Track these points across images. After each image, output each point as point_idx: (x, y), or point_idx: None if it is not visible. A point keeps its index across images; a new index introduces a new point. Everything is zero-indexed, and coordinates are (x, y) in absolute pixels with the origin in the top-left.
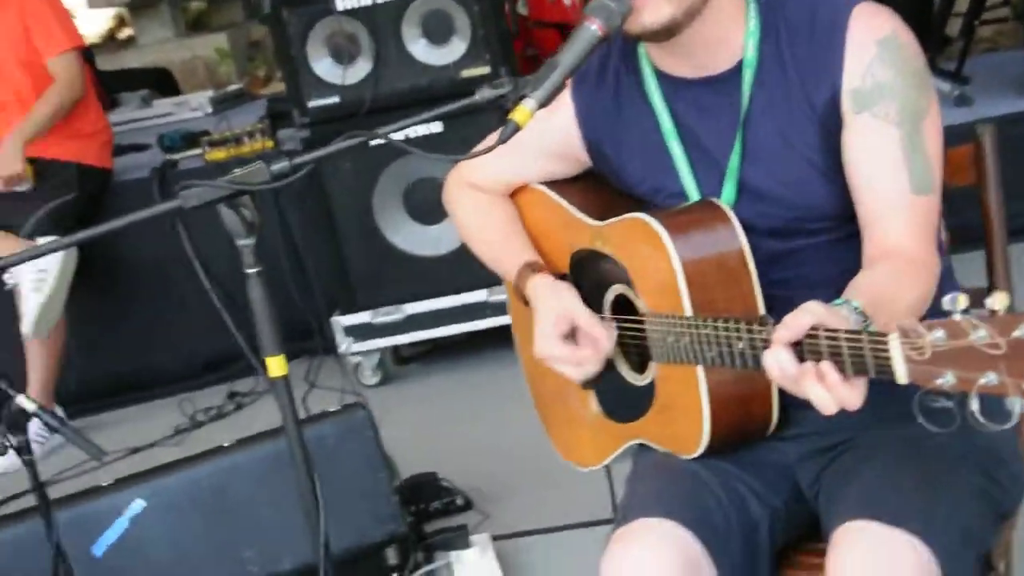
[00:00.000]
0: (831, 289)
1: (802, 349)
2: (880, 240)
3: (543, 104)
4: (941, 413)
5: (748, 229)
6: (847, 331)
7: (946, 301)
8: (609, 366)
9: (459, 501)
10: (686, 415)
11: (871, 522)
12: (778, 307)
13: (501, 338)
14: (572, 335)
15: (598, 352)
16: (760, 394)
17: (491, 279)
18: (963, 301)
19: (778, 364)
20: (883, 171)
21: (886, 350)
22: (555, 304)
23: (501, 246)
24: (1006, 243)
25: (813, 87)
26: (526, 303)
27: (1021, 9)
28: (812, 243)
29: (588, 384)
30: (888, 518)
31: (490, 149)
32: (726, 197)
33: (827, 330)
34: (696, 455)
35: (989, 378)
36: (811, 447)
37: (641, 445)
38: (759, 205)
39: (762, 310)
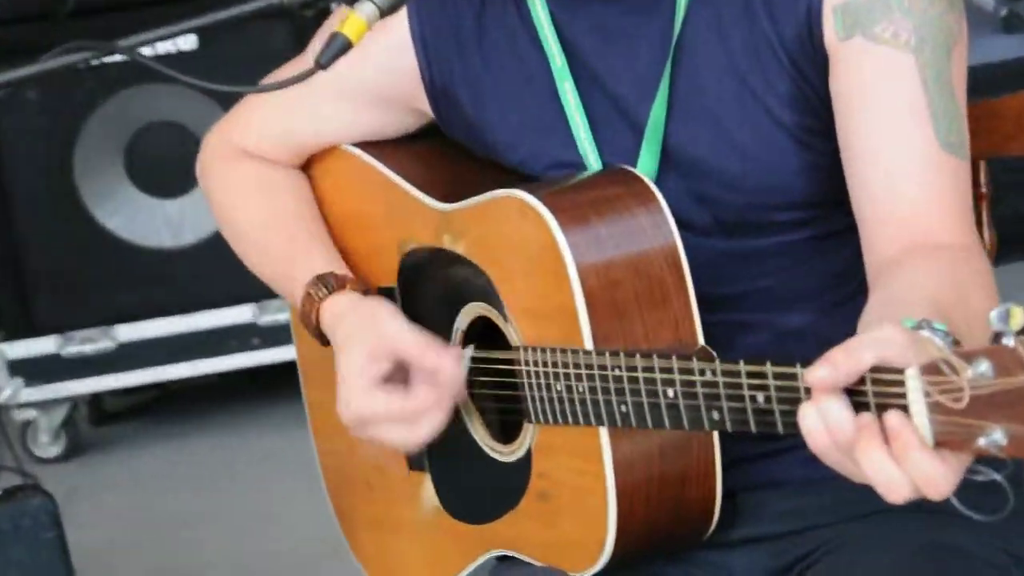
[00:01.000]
0: (807, 313)
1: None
2: (900, 222)
3: (387, 10)
4: (984, 490)
5: (678, 222)
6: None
7: (993, 316)
8: (457, 431)
9: None
10: (579, 508)
11: None
12: (721, 339)
13: (276, 383)
14: (398, 377)
15: (442, 393)
16: (698, 471)
17: (265, 287)
18: (1019, 317)
19: (826, 422)
20: (894, 120)
21: (901, 393)
22: (366, 333)
23: (284, 251)
24: None
25: (778, 6)
26: (323, 342)
27: None
28: (778, 243)
29: (419, 463)
30: None
31: (292, 82)
32: (643, 169)
33: (891, 371)
34: (595, 568)
35: None
36: (770, 560)
37: (504, 558)
38: (694, 183)
39: (700, 339)
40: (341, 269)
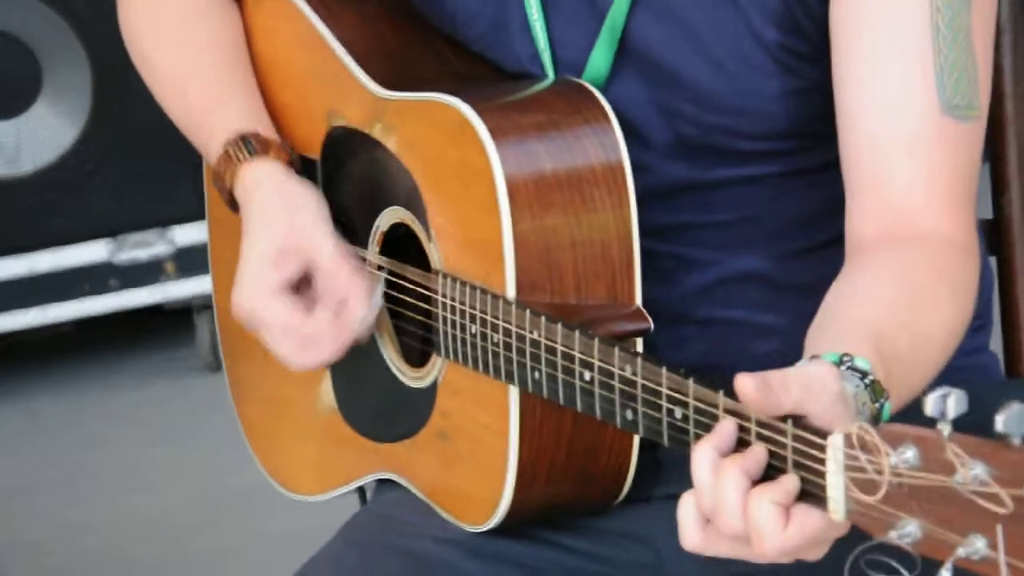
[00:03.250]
0: (763, 258)
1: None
2: (881, 194)
3: None
4: None
5: (636, 133)
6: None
7: (929, 402)
8: (365, 350)
9: None
10: (477, 462)
11: None
12: (664, 273)
13: (139, 332)
14: (305, 285)
15: (341, 331)
16: (614, 440)
17: (123, 219)
18: (954, 407)
19: (702, 479)
20: (891, 68)
21: (820, 462)
22: (282, 223)
23: (206, 96)
24: None
25: None
26: (234, 208)
27: None
28: (742, 175)
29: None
30: None
31: None
32: (594, 66)
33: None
34: (484, 528)
35: (975, 547)
36: None
37: (388, 482)
38: (659, 92)
39: (639, 298)
40: (267, 130)
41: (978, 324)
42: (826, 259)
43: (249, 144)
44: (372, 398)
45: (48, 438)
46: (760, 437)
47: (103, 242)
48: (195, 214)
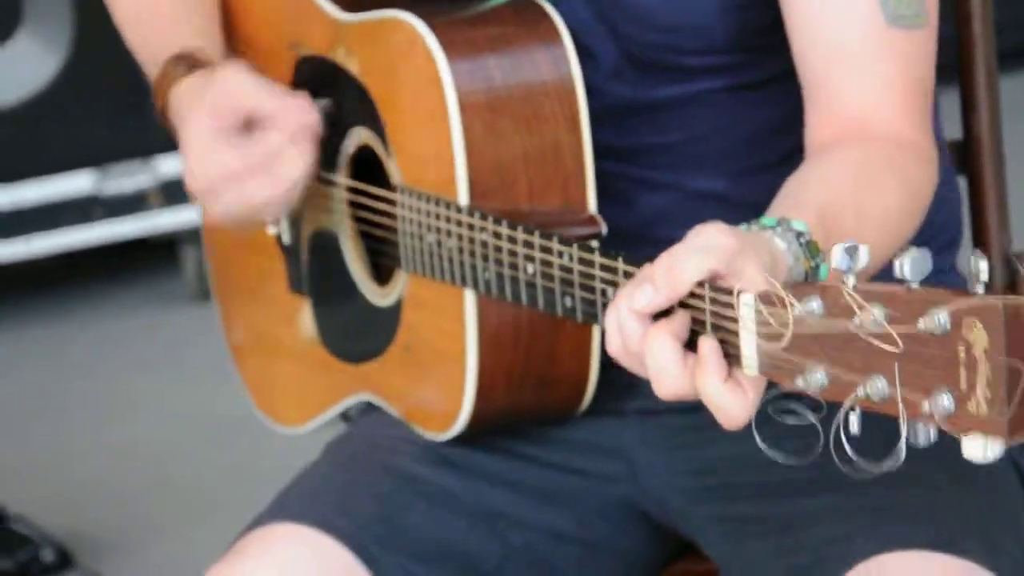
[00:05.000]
0: (718, 177)
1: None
2: (834, 105)
3: None
4: (798, 434)
5: (585, 51)
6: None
7: (837, 251)
8: (335, 263)
9: (47, 555)
10: (438, 370)
11: (921, 553)
12: (622, 196)
13: (125, 264)
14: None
15: (295, 131)
16: (573, 345)
17: (107, 149)
18: (864, 257)
19: (621, 335)
20: None
21: (732, 319)
22: (206, 93)
23: (162, 33)
24: (995, 73)
25: None
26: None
27: None
28: (690, 93)
29: (298, 284)
30: (944, 546)
31: None
32: None
33: (717, 290)
34: (448, 436)
35: (876, 387)
36: (663, 439)
37: (369, 405)
38: (604, 10)
39: (592, 204)
40: (213, 48)
41: (946, 239)
42: (780, 176)
43: (186, 61)
44: (346, 321)
45: (31, 367)
46: (681, 305)
47: (88, 172)
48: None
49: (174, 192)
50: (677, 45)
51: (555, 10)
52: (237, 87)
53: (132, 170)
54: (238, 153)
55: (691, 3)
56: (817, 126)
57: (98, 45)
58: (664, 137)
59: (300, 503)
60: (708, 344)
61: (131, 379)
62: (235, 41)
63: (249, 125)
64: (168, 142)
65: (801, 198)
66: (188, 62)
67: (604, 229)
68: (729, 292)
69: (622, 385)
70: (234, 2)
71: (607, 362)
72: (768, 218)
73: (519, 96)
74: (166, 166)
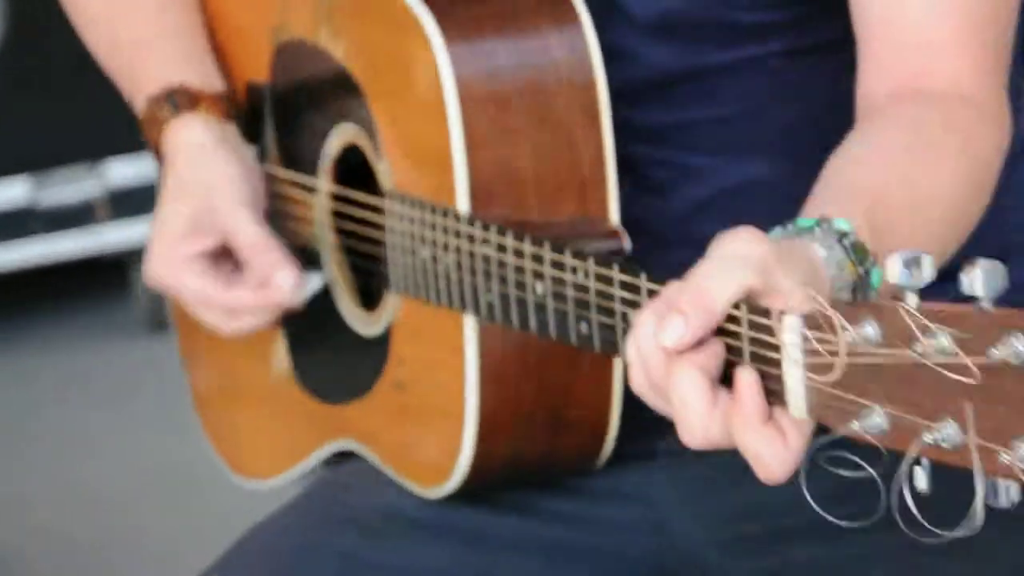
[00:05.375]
0: (773, 161)
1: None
2: (895, 51)
3: None
4: (856, 491)
5: (619, 10)
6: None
7: (894, 262)
8: (320, 300)
9: None
10: (434, 410)
11: None
12: (655, 186)
13: (66, 285)
14: (224, 257)
15: (265, 303)
16: (590, 381)
17: (44, 153)
18: (930, 268)
19: (645, 369)
20: None
21: (771, 346)
22: (197, 202)
23: (134, 40)
24: None
25: None
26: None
27: None
28: (743, 58)
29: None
30: None
31: None
32: None
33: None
34: (444, 491)
35: (946, 432)
36: (695, 480)
37: (346, 455)
38: None
39: (614, 214)
40: (201, 75)
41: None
42: None
43: (173, 100)
44: (326, 354)
45: None
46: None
47: (23, 180)
48: (131, 145)
49: (125, 203)
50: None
51: None
52: (231, 222)
53: (75, 177)
54: (200, 285)
55: None
56: (868, 80)
57: (35, 36)
58: (713, 110)
59: (251, 560)
60: (746, 377)
61: (79, 417)
62: (214, 27)
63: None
64: (119, 144)
65: (844, 184)
66: (175, 99)
67: (628, 245)
68: (768, 314)
69: (649, 421)
70: None
71: (632, 399)
72: (805, 219)
73: (529, 84)
74: (116, 172)
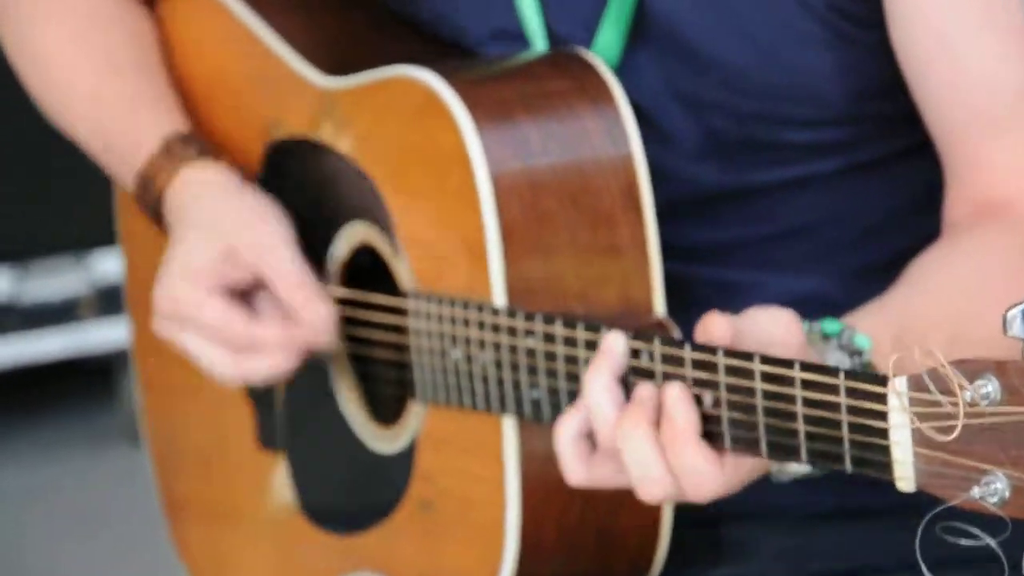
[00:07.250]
0: (825, 276)
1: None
2: (977, 181)
3: None
4: (973, 561)
5: (656, 131)
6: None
7: (1013, 317)
8: (323, 401)
9: None
10: (469, 528)
11: None
12: (699, 303)
13: (49, 388)
14: (249, 297)
15: (295, 339)
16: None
17: (27, 241)
18: None
19: (594, 396)
20: (988, 47)
21: (881, 409)
22: (237, 232)
23: (124, 108)
24: None
25: None
26: (156, 218)
27: None
28: (794, 177)
29: (271, 438)
30: None
31: None
32: (603, 46)
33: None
34: None
35: None
36: None
37: None
38: (681, 76)
39: (659, 305)
40: (194, 132)
41: None
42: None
43: (198, 143)
44: (336, 478)
45: None
46: (807, 385)
47: (1, 271)
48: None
49: (112, 301)
50: (777, 114)
51: (612, 76)
52: (273, 263)
53: (59, 269)
54: (222, 314)
55: (799, 62)
56: (953, 202)
57: (14, 116)
58: (758, 228)
59: None
60: (672, 392)
61: (54, 543)
62: (199, 119)
63: (255, 286)
64: (106, 235)
65: (894, 293)
66: (197, 142)
67: (678, 335)
68: (876, 377)
69: (706, 548)
70: (191, 81)
71: (686, 513)
72: (831, 322)
73: (564, 168)
74: (103, 266)
